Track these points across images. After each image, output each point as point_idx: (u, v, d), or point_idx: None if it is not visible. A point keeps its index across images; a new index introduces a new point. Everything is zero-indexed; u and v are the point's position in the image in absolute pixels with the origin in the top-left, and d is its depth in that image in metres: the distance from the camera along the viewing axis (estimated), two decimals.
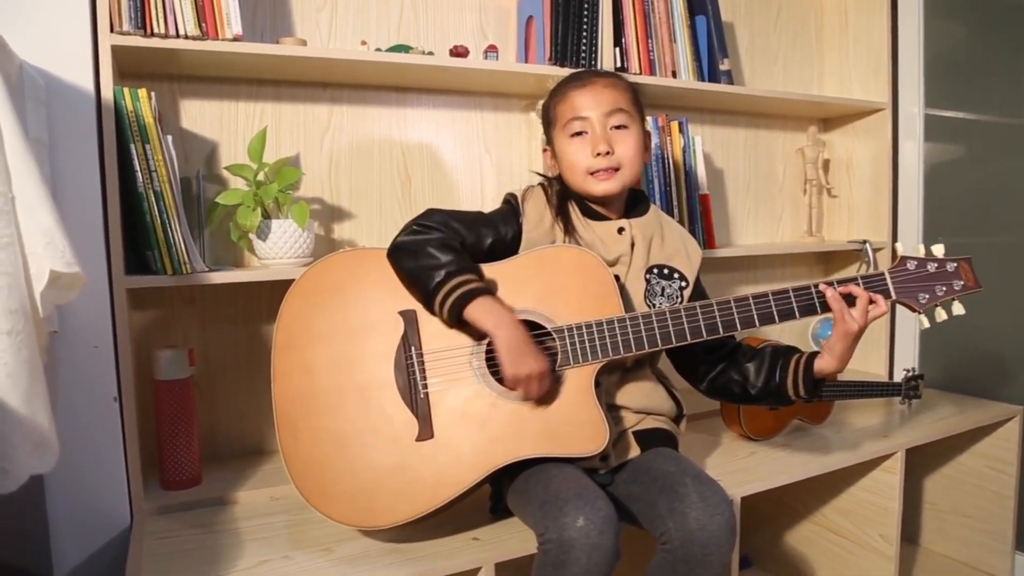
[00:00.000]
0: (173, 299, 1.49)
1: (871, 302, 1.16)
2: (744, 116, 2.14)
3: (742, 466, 1.48)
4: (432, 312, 1.13)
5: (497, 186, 1.77)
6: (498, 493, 1.22)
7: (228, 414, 1.54)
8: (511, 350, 1.07)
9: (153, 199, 1.25)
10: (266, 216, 1.41)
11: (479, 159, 1.76)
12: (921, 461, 2.00)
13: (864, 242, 2.07)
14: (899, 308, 2.12)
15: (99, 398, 1.26)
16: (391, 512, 1.09)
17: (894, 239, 2.15)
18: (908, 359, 2.19)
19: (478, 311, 1.08)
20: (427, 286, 1.10)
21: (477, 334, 1.14)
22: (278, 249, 1.40)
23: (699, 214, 1.80)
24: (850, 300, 1.16)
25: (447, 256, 1.11)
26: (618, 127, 1.22)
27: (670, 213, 1.74)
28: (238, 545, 1.17)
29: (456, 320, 1.10)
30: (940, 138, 2.13)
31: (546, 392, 1.11)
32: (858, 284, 1.17)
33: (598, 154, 1.20)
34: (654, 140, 1.73)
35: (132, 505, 1.29)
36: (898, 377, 1.93)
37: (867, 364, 2.21)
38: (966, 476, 1.93)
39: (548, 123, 1.30)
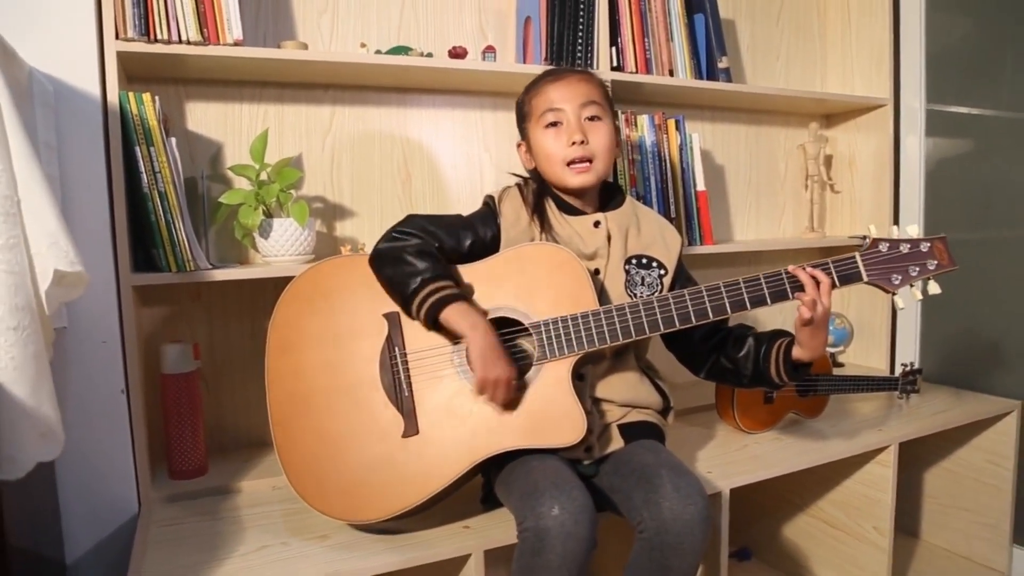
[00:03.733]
0: (180, 296, 1.54)
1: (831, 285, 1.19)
2: (745, 113, 2.16)
3: (733, 458, 1.50)
4: (410, 316, 1.18)
5: (496, 184, 1.79)
6: (489, 484, 1.25)
7: (234, 406, 1.59)
8: (482, 354, 1.12)
9: (157, 199, 1.30)
10: (268, 215, 1.46)
11: (478, 158, 1.80)
12: (920, 455, 2.00)
13: (864, 237, 2.07)
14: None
15: (107, 391, 1.31)
16: (382, 507, 1.14)
17: None
18: (909, 353, 2.19)
19: (452, 315, 1.14)
20: (405, 292, 1.15)
21: (456, 335, 1.19)
22: (280, 247, 1.44)
23: (696, 210, 1.82)
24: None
25: (424, 263, 1.16)
26: (591, 118, 1.27)
27: (667, 210, 1.76)
28: (239, 532, 1.22)
29: (432, 324, 1.16)
30: (942, 133, 2.13)
31: (510, 400, 1.15)
32: (828, 269, 1.19)
33: (573, 143, 1.24)
34: (651, 138, 1.75)
35: (140, 493, 1.35)
36: (898, 372, 1.93)
37: (868, 359, 2.22)
38: (965, 470, 1.94)
39: (523, 118, 1.34)
